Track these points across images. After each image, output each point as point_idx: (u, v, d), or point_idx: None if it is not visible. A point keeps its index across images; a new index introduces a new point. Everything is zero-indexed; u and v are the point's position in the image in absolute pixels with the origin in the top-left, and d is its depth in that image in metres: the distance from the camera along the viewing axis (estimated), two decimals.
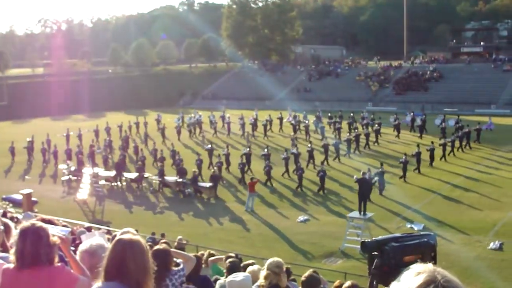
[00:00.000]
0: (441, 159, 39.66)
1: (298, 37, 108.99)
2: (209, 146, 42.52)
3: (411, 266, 2.34)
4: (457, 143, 43.31)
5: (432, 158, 38.59)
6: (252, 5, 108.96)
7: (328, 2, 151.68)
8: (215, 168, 37.75)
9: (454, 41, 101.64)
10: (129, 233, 7.48)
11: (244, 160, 37.87)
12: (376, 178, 30.95)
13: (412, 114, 54.44)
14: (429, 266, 2.31)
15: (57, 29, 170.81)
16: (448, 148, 41.33)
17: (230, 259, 9.78)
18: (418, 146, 38.69)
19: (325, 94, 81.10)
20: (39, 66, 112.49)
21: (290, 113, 58.31)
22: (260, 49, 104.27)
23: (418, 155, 37.14)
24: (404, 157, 35.55)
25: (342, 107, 66.32)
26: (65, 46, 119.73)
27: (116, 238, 4.03)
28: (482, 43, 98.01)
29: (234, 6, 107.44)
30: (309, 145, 40.54)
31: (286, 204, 32.08)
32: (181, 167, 36.67)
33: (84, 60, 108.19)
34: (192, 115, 58.98)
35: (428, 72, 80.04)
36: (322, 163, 37.39)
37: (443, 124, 48.50)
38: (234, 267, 9.13)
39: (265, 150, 40.11)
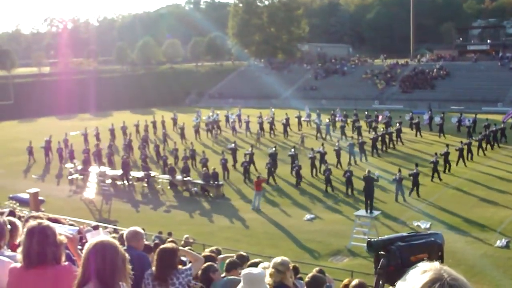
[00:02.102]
0: (467, 158, 38.85)
1: (304, 35, 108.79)
2: (233, 145, 41.93)
3: (417, 265, 2.34)
4: (483, 143, 42.14)
5: (460, 157, 37.72)
6: (258, 4, 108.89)
7: (335, 0, 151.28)
8: (212, 167, 37.05)
9: (461, 39, 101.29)
10: (129, 233, 7.55)
11: (271, 160, 37.37)
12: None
13: (429, 112, 53.91)
14: (436, 264, 2.30)
15: (63, 28, 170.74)
16: (474, 148, 40.34)
17: (230, 259, 9.81)
18: (447, 146, 37.53)
19: (331, 93, 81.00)
20: (45, 65, 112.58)
21: (307, 112, 58.06)
22: (267, 48, 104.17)
23: (446, 155, 36.14)
24: (435, 157, 34.80)
25: (349, 105, 66.21)
26: (71, 45, 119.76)
27: (90, 243, 4.07)
28: (488, 40, 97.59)
29: (240, 5, 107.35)
30: (337, 144, 39.88)
31: (293, 202, 32.08)
32: (185, 166, 36.64)
33: (90, 59, 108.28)
34: (210, 113, 58.76)
35: (435, 70, 79.80)
36: (349, 163, 36.33)
37: (468, 122, 47.71)
38: (233, 265, 9.17)
39: (292, 150, 39.07)
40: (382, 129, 46.83)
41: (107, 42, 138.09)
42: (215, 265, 8.95)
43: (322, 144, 40.42)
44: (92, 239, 4.16)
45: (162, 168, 39.31)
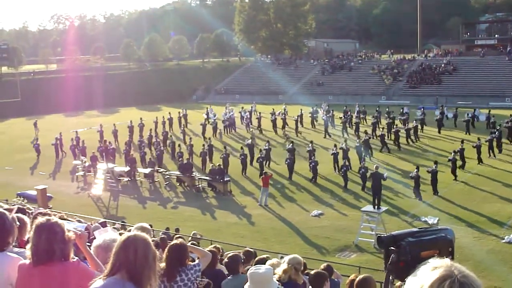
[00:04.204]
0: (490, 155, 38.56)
1: (311, 31, 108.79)
2: (250, 141, 41.91)
3: (428, 261, 2.33)
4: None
5: (479, 154, 36.87)
6: None
7: None
8: (214, 163, 37.03)
9: (468, 33, 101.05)
10: (137, 230, 7.57)
11: (290, 156, 37.15)
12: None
13: (441, 108, 53.70)
14: (446, 261, 2.29)
15: (70, 25, 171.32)
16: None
17: (228, 256, 9.81)
18: (462, 142, 37.10)
19: (338, 88, 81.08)
20: (52, 62, 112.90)
21: (324, 108, 57.86)
22: (273, 44, 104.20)
23: (462, 151, 35.43)
24: (452, 155, 34.20)
25: (355, 101, 66.08)
26: (78, 42, 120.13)
27: (124, 234, 4.07)
28: (496, 35, 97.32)
29: (247, 1, 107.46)
30: (357, 140, 39.87)
31: (300, 198, 32.00)
32: (188, 162, 36.55)
33: (97, 56, 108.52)
34: (227, 110, 58.71)
35: (442, 65, 79.57)
36: (364, 160, 35.54)
37: (492, 119, 47.09)
38: (233, 263, 9.16)
39: (310, 145, 38.77)
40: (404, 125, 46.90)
41: (114, 39, 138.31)
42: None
43: (345, 141, 40.13)
44: (127, 232, 4.16)
45: (153, 162, 39.29)
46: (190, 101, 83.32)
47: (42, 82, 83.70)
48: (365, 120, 52.94)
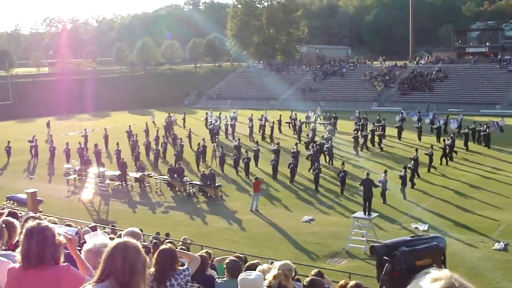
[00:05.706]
0: (446, 163, 39.28)
1: (303, 36, 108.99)
2: (237, 142, 42.33)
3: (427, 271, 2.30)
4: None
5: (431, 162, 37.33)
6: (257, 5, 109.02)
7: (334, 2, 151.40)
8: (204, 169, 37.36)
9: (459, 41, 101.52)
10: (128, 235, 7.53)
11: (275, 157, 37.75)
12: (380, 179, 30.49)
13: (419, 114, 54.15)
14: (446, 272, 2.26)
15: (62, 29, 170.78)
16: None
17: (230, 258, 9.75)
18: (416, 150, 37.11)
19: (330, 94, 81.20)
20: (44, 66, 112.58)
21: (317, 114, 58.09)
22: (265, 49, 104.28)
23: (416, 159, 35.08)
24: (412, 162, 34.55)
25: (347, 107, 66.25)
26: (70, 46, 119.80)
27: (114, 241, 4.03)
28: (487, 43, 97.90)
29: (239, 6, 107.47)
30: (330, 142, 40.68)
31: (291, 203, 31.98)
32: (180, 167, 36.51)
33: (89, 60, 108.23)
34: (210, 116, 58.92)
35: (433, 72, 79.85)
36: (343, 163, 35.39)
37: (470, 126, 47.11)
38: (235, 267, 9.11)
39: (294, 148, 39.23)
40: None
41: (106, 42, 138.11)
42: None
43: (315, 142, 40.90)
44: (118, 238, 4.12)
45: (143, 166, 39.42)
46: (182, 106, 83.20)
47: (34, 85, 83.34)
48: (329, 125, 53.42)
